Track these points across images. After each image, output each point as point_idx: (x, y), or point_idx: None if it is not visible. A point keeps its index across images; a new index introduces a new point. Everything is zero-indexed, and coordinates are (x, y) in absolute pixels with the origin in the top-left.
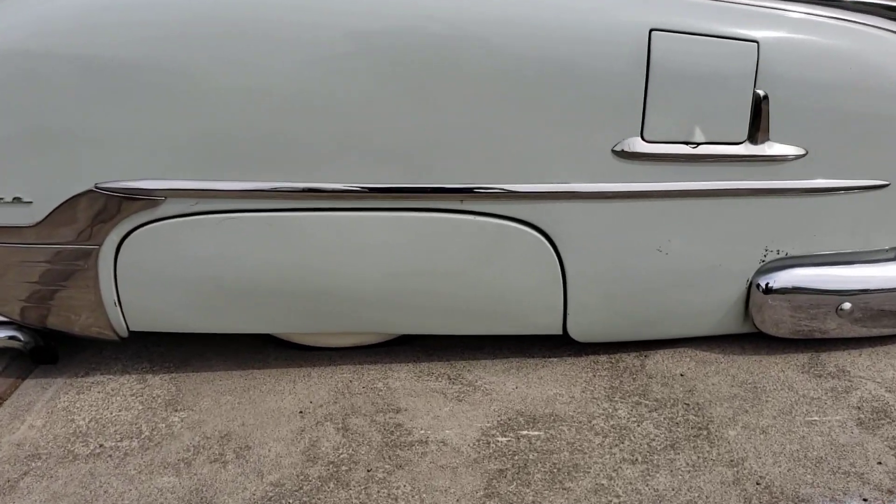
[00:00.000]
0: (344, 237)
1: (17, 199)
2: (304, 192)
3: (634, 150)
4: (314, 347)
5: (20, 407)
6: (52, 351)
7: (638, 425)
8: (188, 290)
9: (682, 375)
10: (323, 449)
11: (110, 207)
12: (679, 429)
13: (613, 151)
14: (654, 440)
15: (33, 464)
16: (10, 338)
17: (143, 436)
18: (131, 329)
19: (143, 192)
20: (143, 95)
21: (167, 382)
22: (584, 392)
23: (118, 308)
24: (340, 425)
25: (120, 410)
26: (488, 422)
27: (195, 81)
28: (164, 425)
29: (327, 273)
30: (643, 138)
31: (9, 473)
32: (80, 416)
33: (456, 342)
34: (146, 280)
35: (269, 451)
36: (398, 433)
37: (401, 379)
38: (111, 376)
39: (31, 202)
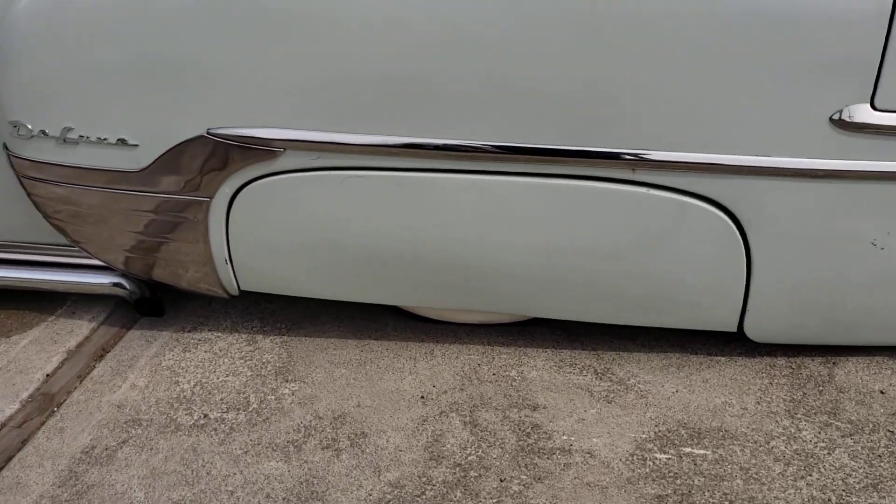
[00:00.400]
0: (487, 204)
1: (121, 142)
2: (443, 149)
3: (860, 121)
4: (438, 321)
5: (123, 362)
6: (158, 303)
7: (829, 453)
8: (305, 253)
9: (882, 393)
10: (448, 447)
11: (223, 156)
12: (882, 463)
13: (832, 121)
14: (850, 475)
15: (133, 431)
16: (115, 285)
17: (250, 408)
18: (242, 289)
19: (260, 141)
20: (266, 30)
21: (278, 346)
22: (758, 403)
23: (229, 266)
24: (468, 419)
25: (227, 376)
26: (644, 432)
27: (325, 14)
28: (273, 398)
29: (464, 244)
30: (873, 106)
31: (107, 440)
32: (184, 378)
33: (603, 327)
34: (260, 239)
35: (388, 441)
36: (535, 436)
37: (538, 368)
38: (219, 334)
39: (136, 145)
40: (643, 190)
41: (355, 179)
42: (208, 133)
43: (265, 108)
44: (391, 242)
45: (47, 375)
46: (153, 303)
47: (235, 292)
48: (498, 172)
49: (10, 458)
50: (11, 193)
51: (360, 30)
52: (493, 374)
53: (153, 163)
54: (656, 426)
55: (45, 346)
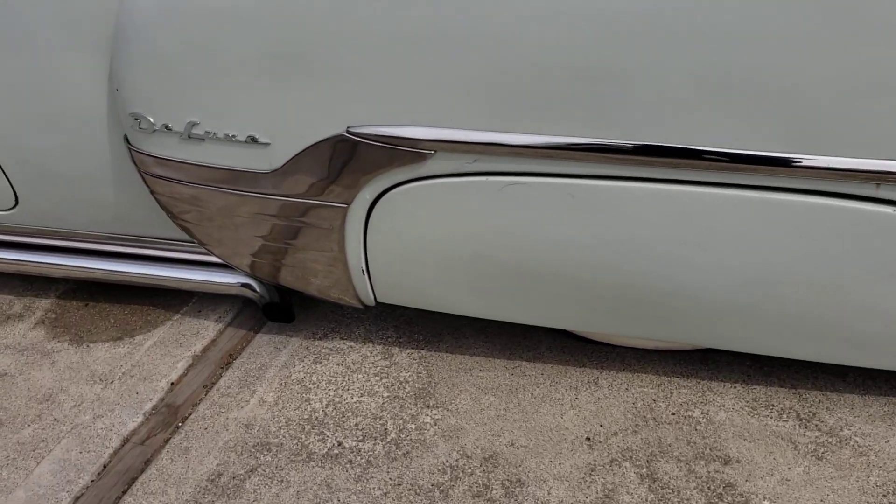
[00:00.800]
0: (682, 220)
1: (252, 139)
2: (632, 153)
3: None
4: (601, 343)
5: (251, 372)
6: (288, 309)
7: None
8: (453, 267)
9: None
10: None
11: (365, 158)
12: None
13: None
14: None
15: (262, 457)
16: (244, 286)
17: (388, 438)
18: (379, 301)
19: (407, 141)
20: (418, 10)
21: (416, 363)
22: None
23: (366, 277)
24: (645, 471)
25: (362, 395)
26: (869, 502)
27: None
28: (413, 426)
29: (649, 266)
30: None
31: (235, 466)
32: (316, 395)
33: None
34: (403, 250)
35: (549, 494)
36: (729, 499)
37: (726, 408)
38: (352, 343)
39: (268, 144)
40: (888, 210)
41: (518, 187)
42: (348, 132)
43: (414, 103)
44: (556, 260)
45: (172, 384)
46: (283, 309)
47: (371, 304)
48: (698, 183)
49: (133, 481)
50: (134, 186)
51: (534, 8)
52: (672, 414)
53: (286, 163)
54: (884, 496)
55: (169, 350)
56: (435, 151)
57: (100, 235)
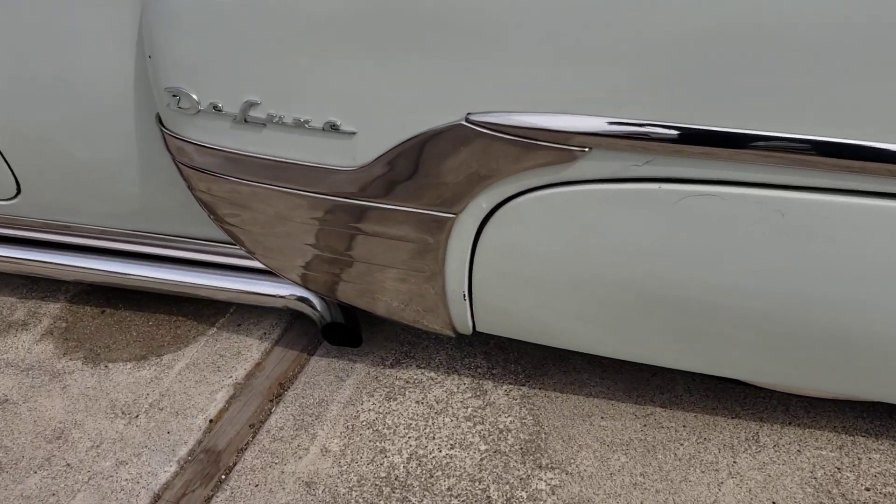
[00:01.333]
0: None
1: (331, 126)
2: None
3: None
4: (751, 385)
5: (307, 408)
6: (355, 333)
7: None
8: (590, 297)
9: None
10: None
11: (488, 155)
12: None
13: None
14: None
15: None
16: (300, 299)
17: None
18: (478, 330)
19: (552, 134)
20: None
21: (517, 404)
22: None
23: (467, 303)
24: None
25: (452, 447)
26: None
27: None
28: (524, 494)
29: (874, 312)
30: None
31: None
32: (393, 444)
33: None
34: (523, 271)
35: None
36: None
37: None
38: (432, 374)
39: (353, 133)
40: None
41: (702, 200)
42: (468, 120)
43: (563, 84)
44: (744, 295)
45: (210, 421)
46: (348, 331)
47: (467, 333)
48: None
49: None
50: (163, 175)
51: None
52: (867, 489)
53: (377, 159)
54: None
55: (205, 375)
56: (590, 149)
57: (118, 232)
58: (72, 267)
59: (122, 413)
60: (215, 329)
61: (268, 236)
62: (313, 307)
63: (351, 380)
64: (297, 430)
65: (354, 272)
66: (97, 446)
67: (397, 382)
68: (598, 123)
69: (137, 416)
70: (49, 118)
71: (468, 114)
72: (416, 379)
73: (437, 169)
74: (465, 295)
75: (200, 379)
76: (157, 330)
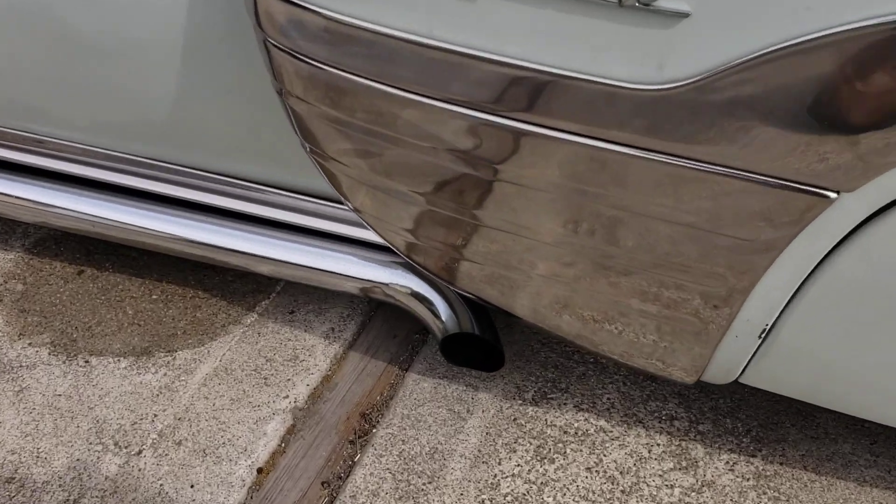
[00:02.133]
0: None
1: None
2: None
3: None
4: None
5: (413, 460)
6: (496, 354)
7: None
8: None
9: None
10: None
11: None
12: None
13: None
14: None
15: None
16: (415, 296)
17: None
18: (743, 381)
19: None
20: None
21: (750, 484)
22: None
23: (757, 342)
24: None
25: None
26: None
27: None
28: None
29: None
30: None
31: None
32: None
33: None
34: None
35: None
36: None
37: None
38: (603, 422)
39: (684, 14)
40: None
41: None
42: None
43: None
44: None
45: (259, 471)
46: (484, 351)
47: (723, 382)
48: None
49: None
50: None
51: None
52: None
53: (697, 81)
54: None
55: (245, 390)
56: None
57: (116, 156)
58: (41, 204)
59: (116, 445)
60: (255, 315)
61: (404, 186)
62: (433, 310)
63: (475, 419)
64: (400, 500)
65: (561, 273)
66: None
67: (550, 431)
68: None
69: (140, 452)
70: None
71: None
72: (578, 428)
73: (839, 107)
74: (764, 331)
75: (238, 396)
76: (167, 309)
